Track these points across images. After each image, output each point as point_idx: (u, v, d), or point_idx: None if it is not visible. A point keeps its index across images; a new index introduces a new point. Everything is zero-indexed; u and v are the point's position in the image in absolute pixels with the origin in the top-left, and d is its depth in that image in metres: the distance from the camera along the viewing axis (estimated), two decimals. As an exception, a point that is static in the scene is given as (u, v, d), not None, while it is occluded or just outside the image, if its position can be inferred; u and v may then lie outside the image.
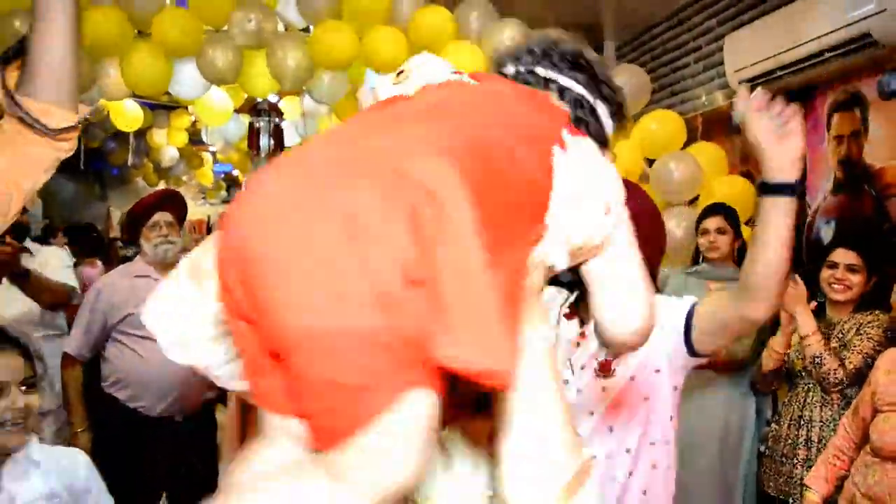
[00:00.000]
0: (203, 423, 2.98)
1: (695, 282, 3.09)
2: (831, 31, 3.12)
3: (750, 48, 3.68)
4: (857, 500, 2.10)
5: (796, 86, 3.56)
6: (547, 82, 0.91)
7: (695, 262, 3.21)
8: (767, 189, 1.34)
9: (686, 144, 3.67)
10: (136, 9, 3.56)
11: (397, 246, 0.57)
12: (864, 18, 2.97)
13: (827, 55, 3.22)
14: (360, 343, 0.56)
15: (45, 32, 1.20)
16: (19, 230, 3.19)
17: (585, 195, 0.82)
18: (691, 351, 1.60)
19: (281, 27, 3.88)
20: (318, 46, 3.64)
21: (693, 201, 3.57)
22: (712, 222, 3.04)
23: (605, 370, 1.63)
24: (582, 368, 1.66)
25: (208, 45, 3.61)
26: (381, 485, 0.60)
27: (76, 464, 1.80)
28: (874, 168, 3.18)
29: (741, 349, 2.85)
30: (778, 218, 1.34)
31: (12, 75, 1.24)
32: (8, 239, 2.70)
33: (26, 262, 2.97)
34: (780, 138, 1.30)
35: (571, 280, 1.06)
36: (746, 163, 3.93)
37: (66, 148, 1.27)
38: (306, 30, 3.93)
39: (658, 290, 1.79)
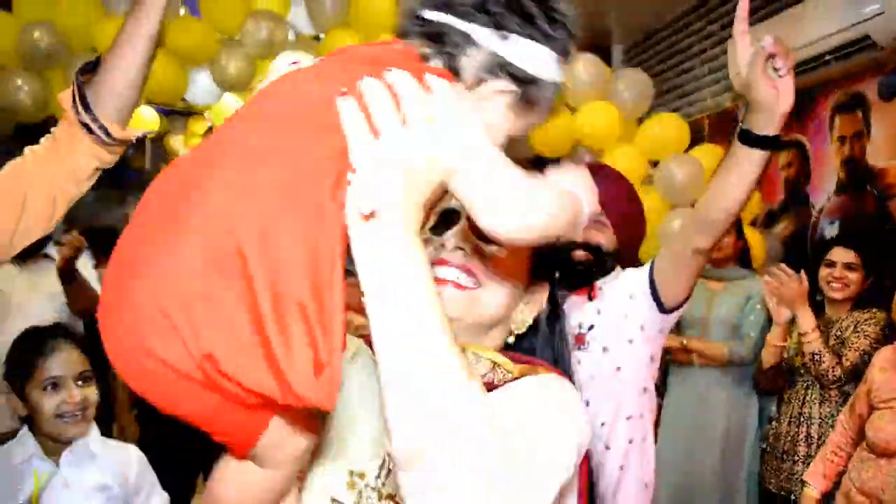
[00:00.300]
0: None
1: (698, 282, 3.15)
2: (831, 34, 3.17)
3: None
4: (853, 495, 2.15)
5: (799, 88, 3.60)
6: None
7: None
8: (748, 139, 1.39)
9: (693, 146, 3.72)
10: (152, 19, 3.66)
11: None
12: (864, 21, 3.02)
13: (828, 58, 3.27)
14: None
15: (118, 62, 1.32)
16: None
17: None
18: (661, 307, 1.68)
19: (291, 35, 3.97)
20: (327, 51, 3.72)
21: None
22: None
23: (578, 342, 1.71)
24: None
25: (222, 54, 3.69)
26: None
27: (129, 459, 1.88)
28: (876, 168, 3.22)
29: (744, 349, 2.91)
30: (750, 166, 1.41)
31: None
32: (76, 234, 2.79)
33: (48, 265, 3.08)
34: (774, 93, 1.34)
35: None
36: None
37: (109, 160, 1.37)
38: (316, 38, 4.00)
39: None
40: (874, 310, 2.57)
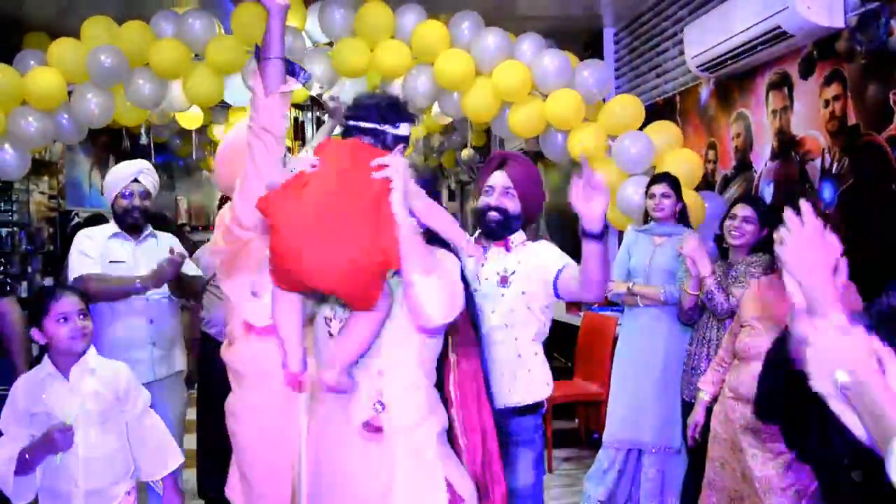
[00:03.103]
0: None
1: (644, 237, 3.78)
2: (752, 25, 3.74)
3: (702, 38, 4.28)
4: (725, 392, 2.82)
5: (741, 69, 4.18)
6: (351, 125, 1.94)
7: (646, 221, 3.89)
8: (584, 234, 2.12)
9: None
10: (192, 38, 4.34)
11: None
12: (775, 14, 3.56)
13: (755, 44, 3.83)
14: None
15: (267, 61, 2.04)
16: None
17: None
18: (556, 294, 2.40)
19: (308, 44, 4.62)
20: (338, 59, 4.38)
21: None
22: (658, 188, 3.68)
23: (503, 282, 2.44)
24: (486, 279, 2.46)
25: (251, 63, 4.39)
26: None
27: (119, 373, 2.46)
28: (797, 137, 3.79)
29: (677, 290, 3.53)
30: (591, 254, 2.15)
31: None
32: (176, 251, 3.27)
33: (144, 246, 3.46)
34: (587, 201, 2.04)
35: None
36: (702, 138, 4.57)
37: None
38: (330, 44, 4.58)
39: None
40: (762, 254, 3.19)
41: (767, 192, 4.03)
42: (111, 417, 2.38)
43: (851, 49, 3.35)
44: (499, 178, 2.49)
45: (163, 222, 6.70)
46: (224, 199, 3.87)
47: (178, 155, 8.70)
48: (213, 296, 3.64)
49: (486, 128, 7.48)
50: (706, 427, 2.94)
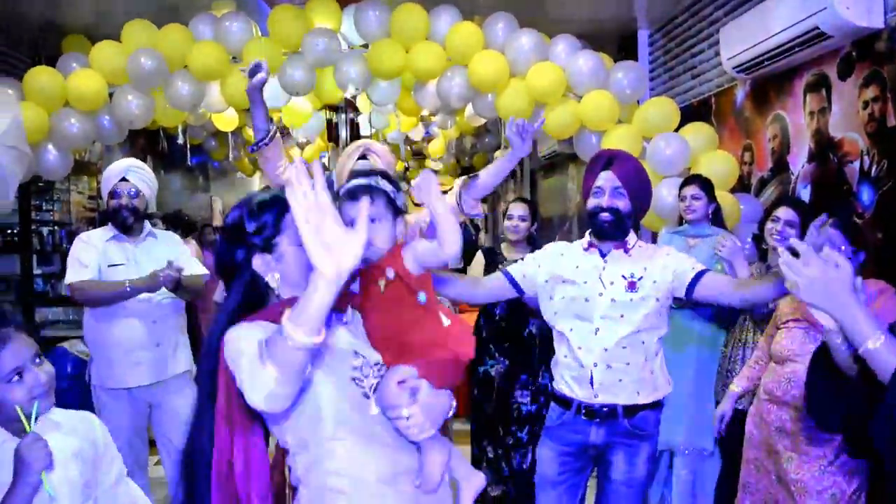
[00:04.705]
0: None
1: (678, 239, 3.76)
2: (790, 26, 3.71)
3: (739, 38, 4.25)
4: (760, 394, 2.80)
5: (778, 70, 4.14)
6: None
7: (680, 223, 3.87)
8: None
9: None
10: (230, 41, 4.41)
11: None
12: (812, 15, 3.53)
13: (793, 45, 3.80)
14: None
15: None
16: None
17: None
18: (688, 294, 2.46)
19: (344, 46, 4.67)
20: (374, 61, 4.41)
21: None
22: (688, 190, 3.66)
23: (631, 287, 2.47)
24: (612, 283, 2.48)
25: (287, 65, 4.39)
26: None
27: (92, 424, 1.93)
28: (835, 139, 3.75)
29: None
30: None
31: None
32: (174, 265, 3.27)
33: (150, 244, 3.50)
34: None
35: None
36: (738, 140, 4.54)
37: None
38: (365, 47, 4.58)
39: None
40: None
41: (804, 195, 3.98)
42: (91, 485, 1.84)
43: (891, 50, 3.31)
44: (608, 178, 2.50)
45: (185, 222, 6.85)
46: None
47: (213, 157, 8.81)
48: None
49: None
50: (741, 429, 2.92)
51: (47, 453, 1.69)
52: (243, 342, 1.44)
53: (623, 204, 2.48)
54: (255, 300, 1.62)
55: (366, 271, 1.74)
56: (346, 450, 1.55)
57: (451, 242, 1.68)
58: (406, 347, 1.66)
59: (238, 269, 1.62)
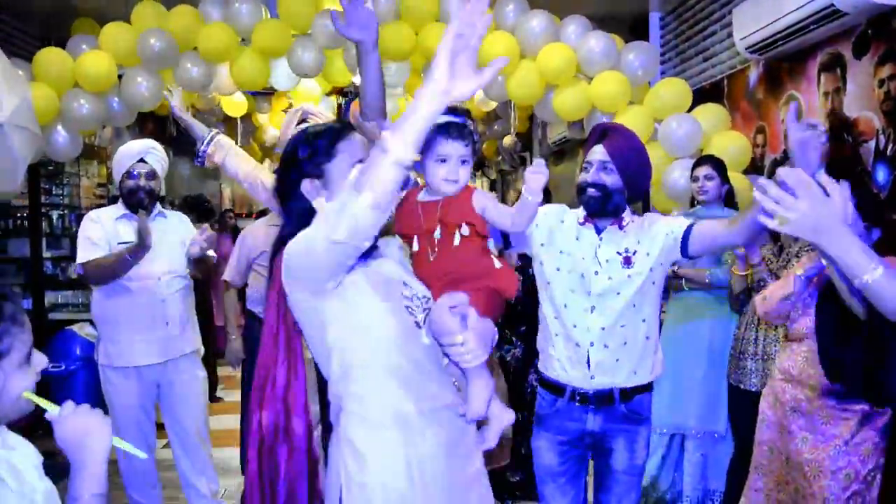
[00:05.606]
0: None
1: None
2: (804, 4, 3.65)
3: (752, 17, 4.19)
4: (775, 375, 2.77)
5: (792, 50, 4.09)
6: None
7: (692, 205, 3.84)
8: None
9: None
10: (239, 22, 4.39)
11: None
12: (828, -9, 3.47)
13: (807, 23, 3.75)
14: None
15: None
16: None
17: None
18: (685, 253, 2.36)
19: (354, 27, 4.63)
20: (383, 43, 4.38)
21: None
22: (701, 170, 3.62)
23: (626, 262, 2.38)
24: (607, 261, 2.40)
25: (297, 47, 4.40)
26: None
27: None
28: (850, 119, 3.70)
29: (723, 273, 3.48)
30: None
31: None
32: (209, 230, 3.35)
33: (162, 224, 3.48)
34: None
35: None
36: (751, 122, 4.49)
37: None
38: None
39: None
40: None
41: (818, 175, 3.94)
42: None
43: (908, 27, 3.26)
44: (597, 153, 2.40)
45: (205, 207, 6.88)
46: None
47: (222, 143, 8.76)
48: (258, 274, 3.69)
49: (529, 114, 7.43)
50: (754, 411, 2.89)
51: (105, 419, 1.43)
52: (314, 225, 1.55)
53: (612, 180, 2.37)
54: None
55: (443, 223, 1.84)
56: (394, 378, 1.60)
57: (524, 224, 1.93)
58: (459, 279, 1.75)
59: (293, 196, 1.70)
